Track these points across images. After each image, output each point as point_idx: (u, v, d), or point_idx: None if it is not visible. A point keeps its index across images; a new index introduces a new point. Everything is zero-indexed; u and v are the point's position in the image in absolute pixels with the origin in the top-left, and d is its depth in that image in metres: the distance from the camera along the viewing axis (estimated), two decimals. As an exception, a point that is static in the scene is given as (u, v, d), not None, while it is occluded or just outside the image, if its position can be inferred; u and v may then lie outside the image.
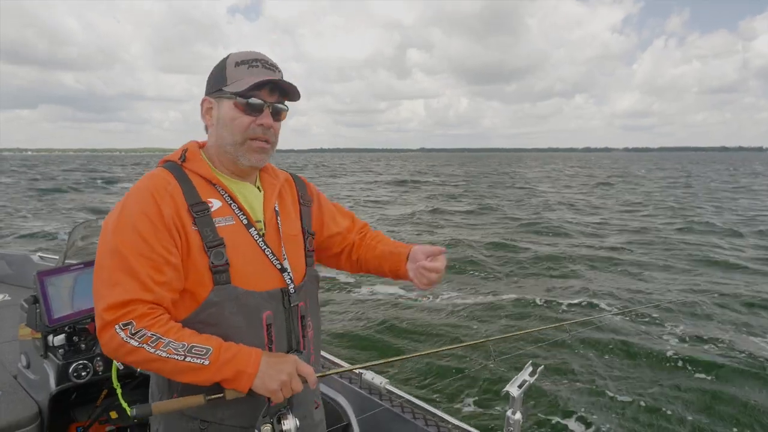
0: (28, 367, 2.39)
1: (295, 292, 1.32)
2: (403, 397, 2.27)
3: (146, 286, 1.13)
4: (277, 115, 1.30)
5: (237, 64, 1.27)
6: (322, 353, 2.09)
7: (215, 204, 1.25)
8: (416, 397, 2.23)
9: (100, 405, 2.38)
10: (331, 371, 1.43)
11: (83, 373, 2.16)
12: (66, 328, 2.22)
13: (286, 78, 1.31)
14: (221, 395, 1.15)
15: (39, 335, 2.20)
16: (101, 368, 2.21)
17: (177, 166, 1.29)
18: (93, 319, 2.32)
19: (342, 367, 2.48)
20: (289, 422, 1.20)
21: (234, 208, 1.28)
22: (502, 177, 47.25)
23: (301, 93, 1.31)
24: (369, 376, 2.30)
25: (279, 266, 1.30)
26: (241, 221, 1.27)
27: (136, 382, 2.35)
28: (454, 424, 2.07)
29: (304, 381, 1.19)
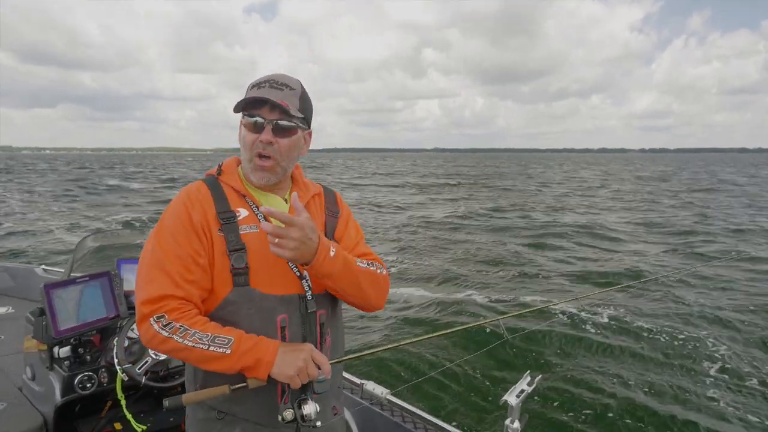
0: (33, 379, 2.42)
1: (312, 299, 1.38)
2: (404, 408, 2.29)
3: (177, 283, 1.26)
4: (281, 132, 1.35)
5: (251, 87, 1.36)
6: None
7: (242, 213, 1.37)
8: (417, 407, 2.25)
9: (105, 416, 2.41)
10: (344, 357, 1.47)
11: (88, 385, 2.19)
12: (72, 340, 2.25)
13: (307, 84, 1.40)
14: (245, 384, 1.24)
15: (45, 347, 2.23)
16: (106, 380, 2.24)
17: (214, 178, 1.44)
18: (98, 331, 2.36)
19: (352, 381, 2.50)
20: (310, 407, 1.26)
21: (260, 217, 1.37)
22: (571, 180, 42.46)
23: (312, 96, 1.38)
24: (370, 386, 2.32)
25: (298, 273, 1.38)
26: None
27: (140, 393, 2.38)
28: None
29: (320, 370, 1.26)
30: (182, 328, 1.22)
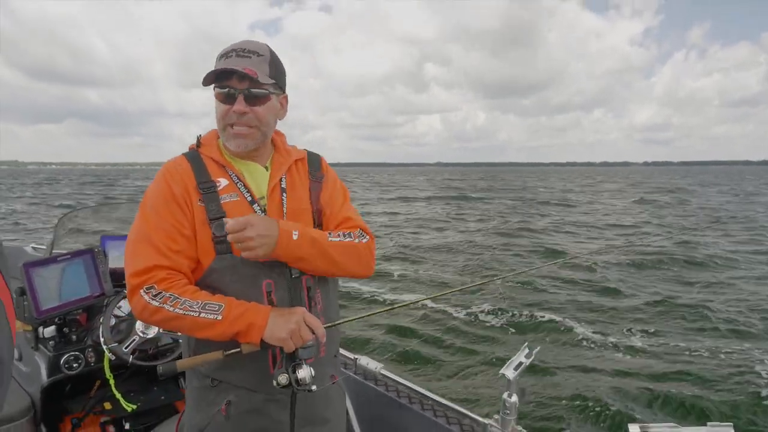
0: (19, 359, 2.36)
1: None
2: (399, 382, 2.25)
3: (163, 254, 1.28)
4: (253, 99, 1.34)
5: (218, 58, 1.36)
6: None
7: (222, 182, 1.38)
8: (412, 381, 2.21)
9: (94, 396, 2.36)
10: (339, 321, 1.45)
11: (75, 365, 2.13)
12: (56, 320, 2.19)
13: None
14: (238, 349, 1.24)
15: (30, 327, 2.17)
16: (93, 359, 2.19)
17: (194, 151, 1.44)
18: (84, 310, 2.30)
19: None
20: (304, 371, 1.25)
21: (239, 186, 1.39)
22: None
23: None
24: (364, 361, 2.28)
25: None
26: (245, 197, 1.38)
27: (129, 373, 2.33)
28: (450, 408, 2.05)
29: (314, 334, 1.26)
30: (172, 297, 1.23)
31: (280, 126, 1.51)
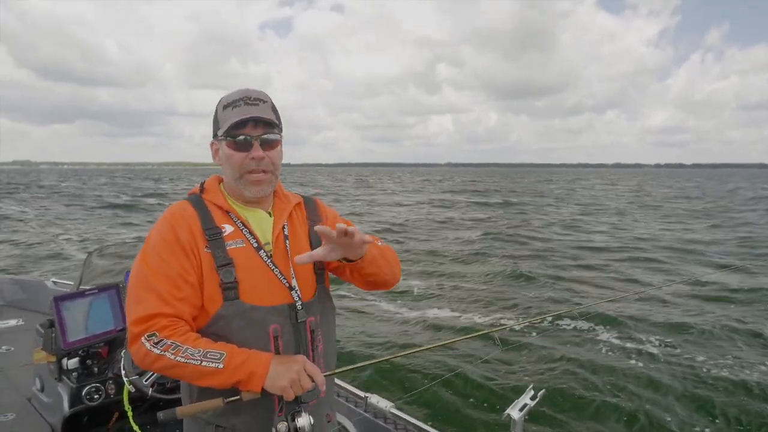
0: (42, 390, 2.45)
1: (302, 308, 1.40)
2: (409, 422, 2.29)
3: (166, 301, 1.26)
4: (268, 145, 1.39)
5: (224, 108, 1.39)
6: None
7: (227, 229, 1.38)
8: (420, 420, 2.25)
9: (111, 428, 2.43)
10: (337, 370, 1.48)
11: (96, 396, 2.21)
12: (80, 352, 2.28)
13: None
14: (238, 397, 1.24)
15: (54, 358, 2.26)
16: (113, 391, 2.26)
17: (197, 196, 1.45)
18: (106, 343, 2.39)
19: (348, 384, 2.51)
20: (303, 419, 1.27)
21: (245, 232, 1.39)
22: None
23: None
24: (374, 399, 2.33)
25: (287, 284, 1.39)
26: (251, 244, 1.39)
27: (147, 405, 2.40)
28: None
29: (314, 382, 1.26)
30: (174, 345, 1.22)
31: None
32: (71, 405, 2.19)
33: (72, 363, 2.25)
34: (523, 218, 22.50)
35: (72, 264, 11.89)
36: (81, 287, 2.59)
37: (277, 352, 1.35)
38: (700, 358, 6.36)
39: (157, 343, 1.22)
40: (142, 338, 1.23)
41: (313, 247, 1.49)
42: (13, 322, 4.36)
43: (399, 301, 8.97)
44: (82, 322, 2.26)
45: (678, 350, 6.57)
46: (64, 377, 2.26)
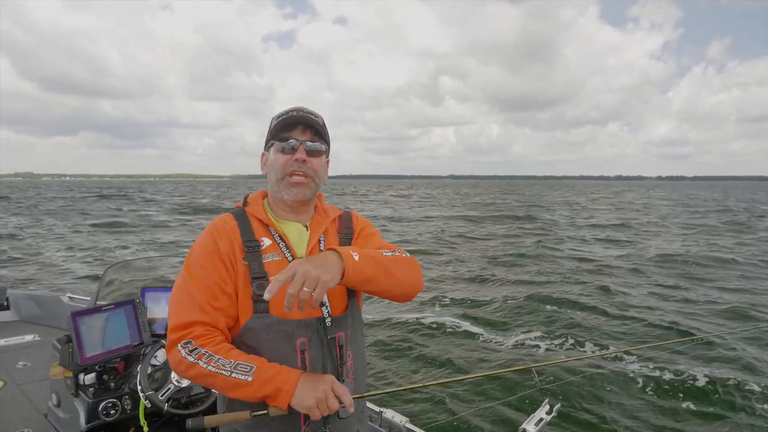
0: (58, 405, 2.47)
1: (332, 324, 1.41)
2: None
3: (204, 310, 1.32)
4: (313, 152, 1.44)
5: (277, 117, 1.46)
6: None
7: (266, 242, 1.43)
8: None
9: None
10: (367, 394, 1.46)
11: (112, 411, 2.22)
12: (96, 367, 2.30)
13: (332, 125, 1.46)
14: (265, 412, 1.25)
15: (70, 374, 2.28)
16: (129, 407, 2.28)
17: (241, 210, 1.51)
18: (122, 358, 2.41)
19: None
20: None
21: (281, 246, 1.43)
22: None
23: (328, 122, 1.46)
24: (389, 414, 2.31)
25: None
26: (286, 257, 1.42)
27: (163, 421, 2.41)
28: None
29: (342, 404, 1.24)
30: (207, 354, 1.26)
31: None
32: (88, 420, 2.21)
33: (89, 378, 2.27)
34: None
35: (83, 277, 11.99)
36: (98, 303, 2.62)
37: (304, 366, 1.36)
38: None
39: (192, 351, 1.26)
40: (179, 345, 1.28)
41: None
42: (29, 338, 4.41)
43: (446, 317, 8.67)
44: (99, 338, 2.29)
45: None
46: (81, 393, 2.27)
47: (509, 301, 9.95)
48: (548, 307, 9.58)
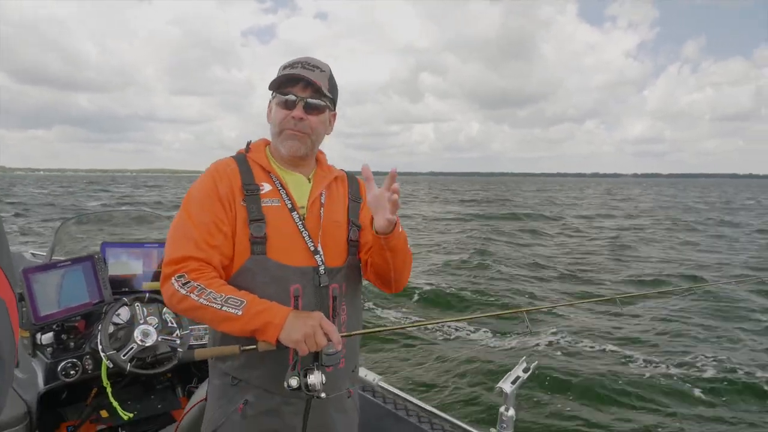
0: (16, 366, 2.36)
1: (325, 273, 1.43)
2: (397, 395, 2.25)
3: (199, 246, 1.34)
4: (312, 109, 1.43)
5: (283, 68, 1.45)
6: None
7: (266, 187, 1.44)
8: (409, 393, 2.21)
9: (91, 404, 2.35)
10: (355, 332, 1.46)
11: (72, 372, 2.13)
12: (54, 326, 2.18)
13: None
14: (254, 347, 1.28)
15: (27, 334, 2.16)
16: (90, 367, 2.18)
17: (243, 155, 1.52)
18: (82, 317, 2.30)
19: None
20: (315, 376, 1.28)
21: (282, 192, 1.45)
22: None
23: (330, 87, 1.46)
24: (362, 372, 2.27)
25: (312, 248, 1.42)
26: (286, 204, 1.44)
27: (126, 381, 2.32)
28: (447, 420, 2.04)
29: (330, 341, 1.27)
30: (199, 287, 1.27)
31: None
32: (46, 381, 2.11)
33: (46, 338, 2.15)
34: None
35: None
36: (54, 258, 2.48)
37: None
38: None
39: (184, 284, 1.28)
40: (172, 279, 1.30)
41: (349, 218, 1.55)
42: None
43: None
44: (55, 296, 2.16)
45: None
46: (39, 353, 2.17)
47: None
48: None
